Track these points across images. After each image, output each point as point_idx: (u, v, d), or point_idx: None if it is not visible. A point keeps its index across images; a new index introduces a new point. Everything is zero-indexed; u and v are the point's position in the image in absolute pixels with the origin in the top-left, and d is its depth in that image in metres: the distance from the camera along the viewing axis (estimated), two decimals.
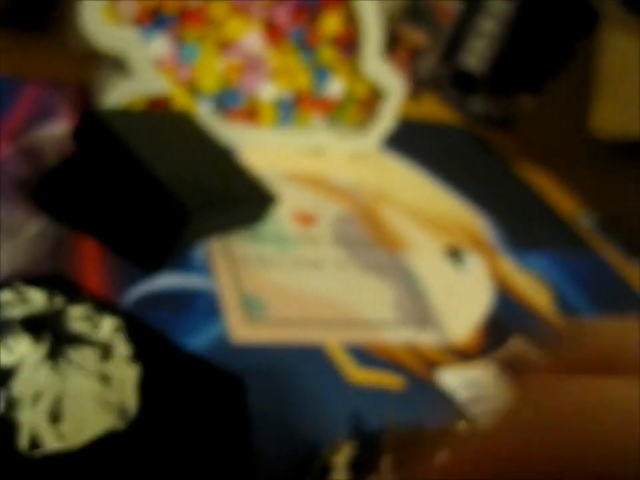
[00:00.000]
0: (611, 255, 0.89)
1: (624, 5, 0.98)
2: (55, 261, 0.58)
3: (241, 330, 0.58)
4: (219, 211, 0.63)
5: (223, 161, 0.69)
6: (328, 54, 0.79)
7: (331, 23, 0.78)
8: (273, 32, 0.76)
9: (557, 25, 1.11)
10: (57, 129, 0.72)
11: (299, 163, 0.80)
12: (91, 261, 0.59)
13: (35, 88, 0.78)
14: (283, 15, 0.76)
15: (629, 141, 0.92)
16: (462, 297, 0.70)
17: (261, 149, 0.79)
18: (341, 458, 0.48)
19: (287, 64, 0.78)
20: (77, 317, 0.51)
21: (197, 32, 0.73)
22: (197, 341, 0.56)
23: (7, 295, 0.50)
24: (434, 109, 1.09)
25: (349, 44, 0.80)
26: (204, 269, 0.63)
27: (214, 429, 0.48)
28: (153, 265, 0.60)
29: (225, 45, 0.75)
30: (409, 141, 0.93)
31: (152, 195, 0.58)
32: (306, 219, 0.72)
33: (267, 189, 0.68)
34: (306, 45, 0.78)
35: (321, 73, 0.80)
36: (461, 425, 0.53)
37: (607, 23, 0.98)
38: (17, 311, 0.49)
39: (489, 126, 1.10)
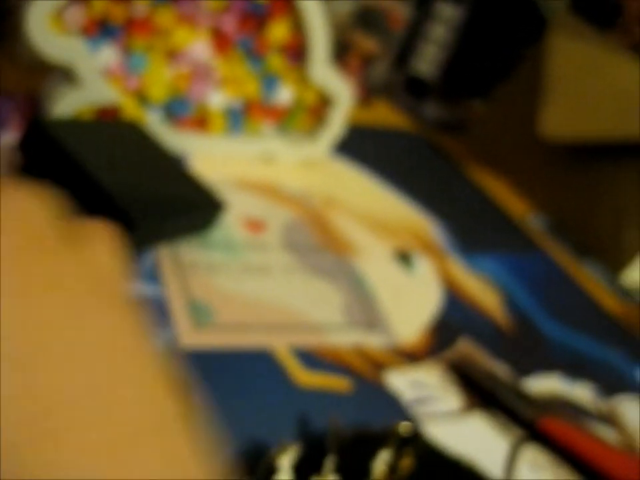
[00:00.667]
0: (561, 256, 0.91)
1: (572, 10, 1.00)
2: None
3: (189, 335, 0.58)
4: (166, 219, 0.64)
5: (171, 170, 0.69)
6: (276, 62, 0.80)
7: (279, 31, 0.79)
8: (220, 40, 0.77)
9: (505, 30, 1.13)
10: (5, 140, 0.72)
11: (249, 171, 0.81)
12: None
13: None
14: (229, 23, 0.76)
15: (578, 144, 0.94)
16: (410, 300, 0.71)
17: (211, 157, 0.80)
18: (286, 459, 0.49)
19: (235, 72, 0.79)
20: None
21: (144, 41, 0.73)
22: None
23: None
24: (386, 115, 1.10)
25: (297, 51, 0.81)
26: (152, 276, 0.63)
27: None
28: None
29: (172, 54, 0.75)
30: (361, 147, 0.94)
31: (97, 204, 0.58)
32: (255, 225, 0.73)
33: (215, 196, 0.68)
34: (254, 53, 0.79)
35: (269, 80, 0.81)
36: (405, 426, 0.54)
37: (555, 27, 0.99)
38: None
39: (441, 131, 1.11)
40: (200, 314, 0.61)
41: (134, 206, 0.59)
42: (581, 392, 0.70)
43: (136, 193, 0.62)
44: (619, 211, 0.91)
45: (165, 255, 0.66)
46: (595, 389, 0.70)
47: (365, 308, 0.68)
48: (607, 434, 0.66)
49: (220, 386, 0.56)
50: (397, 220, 0.83)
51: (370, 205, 0.84)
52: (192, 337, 0.58)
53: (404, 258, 0.77)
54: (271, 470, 0.48)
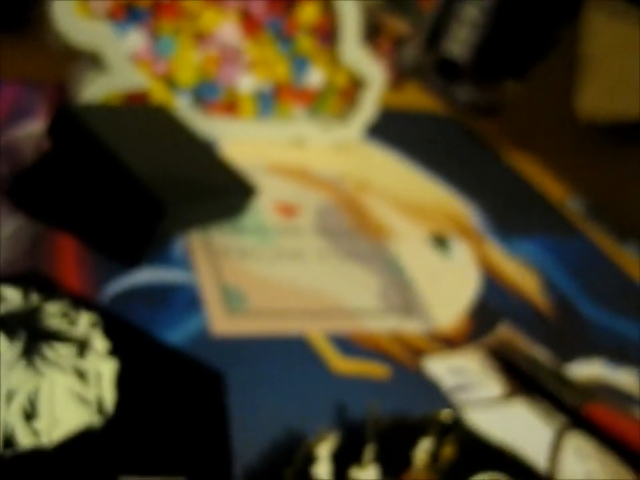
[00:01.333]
0: (601, 239, 0.88)
1: None
2: (32, 259, 0.57)
3: (222, 322, 0.57)
4: (198, 204, 0.63)
5: (201, 154, 0.68)
6: (306, 43, 0.79)
7: (308, 12, 0.77)
8: (249, 23, 0.75)
9: (540, 10, 1.10)
10: (35, 128, 0.71)
11: (281, 155, 0.80)
12: (69, 258, 0.58)
13: (12, 88, 0.77)
14: (258, 6, 0.75)
15: (616, 124, 0.91)
16: (447, 284, 0.70)
17: (242, 142, 0.78)
18: (325, 448, 0.47)
19: (264, 55, 0.77)
20: (53, 314, 0.50)
21: (172, 25, 0.72)
22: (177, 334, 0.55)
23: None
24: (418, 98, 1.08)
25: (327, 33, 0.79)
26: (184, 262, 0.62)
27: (191, 424, 0.48)
28: (131, 260, 0.59)
29: (200, 37, 0.74)
30: (393, 130, 0.93)
31: (127, 190, 0.57)
32: (287, 210, 0.71)
33: (246, 181, 0.67)
34: (283, 35, 0.77)
35: (299, 62, 0.79)
36: (445, 414, 0.52)
37: (591, 5, 0.97)
38: None
39: (475, 113, 1.09)
40: (233, 300, 0.59)
41: (165, 192, 0.58)
42: (626, 377, 0.68)
43: (166, 179, 0.61)
44: None
45: (196, 241, 0.64)
46: (637, 372, 0.68)
47: (402, 293, 0.66)
48: None
49: (255, 373, 0.54)
50: (432, 203, 0.82)
51: (404, 189, 0.82)
52: (225, 324, 0.57)
53: (440, 242, 0.75)
54: (310, 459, 0.46)
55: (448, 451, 0.50)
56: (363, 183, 0.80)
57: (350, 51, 0.80)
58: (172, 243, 0.63)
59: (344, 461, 0.47)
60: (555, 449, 0.56)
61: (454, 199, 0.84)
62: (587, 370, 0.67)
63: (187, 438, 0.47)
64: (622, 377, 0.67)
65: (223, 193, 0.65)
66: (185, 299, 0.58)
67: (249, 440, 0.49)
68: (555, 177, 0.98)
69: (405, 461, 0.49)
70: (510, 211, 0.87)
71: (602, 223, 0.91)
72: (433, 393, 0.58)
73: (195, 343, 0.55)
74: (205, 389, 0.50)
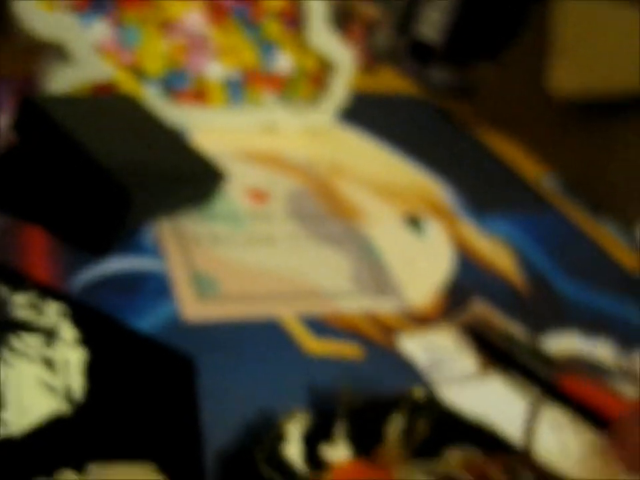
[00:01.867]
0: (576, 215, 0.89)
1: None
2: (0, 252, 0.57)
3: (193, 308, 0.57)
4: (165, 191, 0.62)
5: (169, 142, 0.68)
6: (273, 29, 0.78)
7: None
8: (215, 10, 0.75)
9: None
10: (1, 121, 0.71)
11: (252, 141, 0.80)
12: (37, 250, 0.58)
13: None
14: None
15: (588, 101, 0.92)
16: (421, 264, 0.70)
17: (213, 130, 0.78)
18: (295, 428, 0.47)
19: (232, 42, 0.77)
20: (21, 305, 0.50)
21: (137, 14, 0.72)
22: (148, 321, 0.55)
23: None
24: (392, 81, 1.08)
25: (294, 17, 0.79)
26: (154, 250, 0.62)
27: (161, 410, 0.48)
28: (99, 249, 0.59)
29: (166, 26, 0.74)
30: (368, 114, 0.92)
31: (93, 179, 0.57)
32: (259, 196, 0.71)
33: (215, 167, 0.67)
34: (250, 21, 0.77)
35: (267, 48, 0.79)
36: (417, 391, 0.52)
37: None
38: None
39: (449, 95, 1.09)
40: (204, 286, 0.59)
41: (130, 179, 0.58)
42: (601, 349, 0.68)
43: (133, 167, 0.61)
44: (632, 165, 0.89)
45: (167, 229, 0.64)
46: (614, 345, 0.69)
47: (375, 273, 0.66)
48: (629, 390, 0.64)
49: (228, 358, 0.54)
50: (406, 185, 0.82)
51: (377, 171, 0.82)
52: (196, 310, 0.57)
53: (414, 222, 0.75)
54: (280, 439, 0.46)
55: (422, 427, 0.50)
56: (335, 167, 0.80)
57: (317, 35, 0.80)
58: (141, 231, 0.63)
59: (316, 440, 0.47)
60: (530, 421, 0.57)
61: (428, 180, 0.84)
62: (563, 343, 0.67)
63: (156, 423, 0.47)
64: (598, 349, 0.68)
65: (190, 179, 0.65)
66: (156, 287, 0.58)
67: (222, 423, 0.49)
68: (530, 155, 0.98)
69: (377, 438, 0.49)
70: (485, 189, 0.87)
71: (577, 199, 0.92)
72: (408, 370, 0.59)
73: (166, 329, 0.55)
74: (175, 374, 0.50)
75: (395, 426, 0.49)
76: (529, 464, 0.51)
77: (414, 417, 0.51)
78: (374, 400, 0.52)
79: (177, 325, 0.56)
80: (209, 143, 0.74)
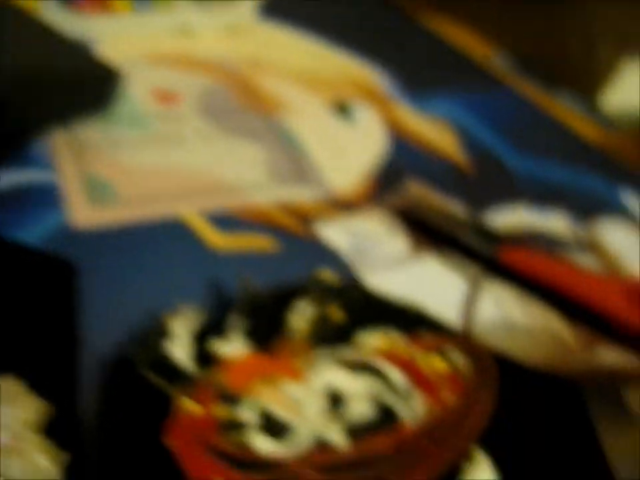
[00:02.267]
0: (530, 91, 0.83)
1: None
2: None
3: (84, 215, 0.52)
4: (52, 97, 0.57)
5: (60, 52, 0.62)
6: None
7: None
8: None
9: None
10: None
11: (163, 45, 0.74)
12: None
13: None
14: None
15: None
16: (347, 150, 0.64)
17: (121, 39, 0.72)
18: (181, 325, 0.42)
19: None
20: None
21: None
22: (35, 233, 0.50)
23: None
24: None
25: None
26: (45, 161, 0.57)
27: (35, 318, 0.43)
28: None
29: None
30: (296, 7, 0.86)
31: None
32: (166, 97, 0.66)
33: (109, 70, 0.61)
34: None
35: None
36: (325, 274, 0.47)
37: None
38: None
39: None
40: (99, 191, 0.54)
41: (6, 90, 0.52)
42: (555, 221, 0.62)
43: (13, 77, 0.55)
44: (590, 35, 0.83)
45: (61, 138, 0.59)
46: (571, 216, 0.63)
47: (293, 164, 0.61)
48: (587, 261, 0.59)
49: (124, 263, 0.50)
50: (334, 72, 0.76)
51: (303, 63, 0.76)
52: (88, 216, 0.52)
53: (342, 109, 0.69)
54: (162, 336, 0.41)
55: (334, 313, 0.45)
56: (257, 63, 0.74)
57: None
58: (33, 143, 0.58)
59: (206, 335, 0.42)
60: (470, 298, 0.51)
61: (360, 65, 0.78)
62: (510, 217, 0.62)
63: (28, 333, 0.42)
64: (551, 221, 0.62)
65: (81, 83, 0.60)
66: (44, 198, 0.53)
67: (110, 329, 0.45)
68: (479, 34, 0.91)
69: (280, 331, 0.44)
70: (426, 72, 0.81)
71: (531, 75, 0.85)
72: (329, 260, 0.53)
73: (55, 239, 0.50)
74: (55, 281, 0.46)
75: (300, 313, 0.44)
76: (460, 343, 0.46)
77: (325, 303, 0.46)
78: (279, 290, 0.47)
79: (67, 234, 0.51)
80: (114, 52, 0.68)
